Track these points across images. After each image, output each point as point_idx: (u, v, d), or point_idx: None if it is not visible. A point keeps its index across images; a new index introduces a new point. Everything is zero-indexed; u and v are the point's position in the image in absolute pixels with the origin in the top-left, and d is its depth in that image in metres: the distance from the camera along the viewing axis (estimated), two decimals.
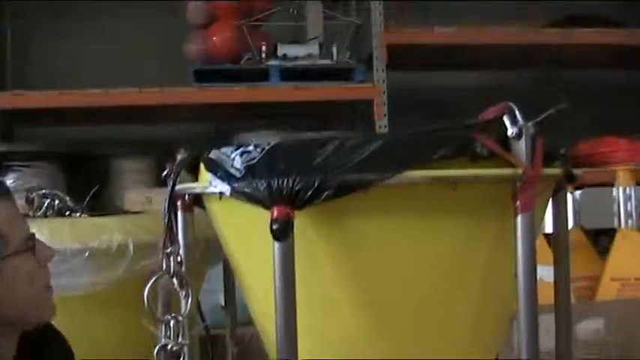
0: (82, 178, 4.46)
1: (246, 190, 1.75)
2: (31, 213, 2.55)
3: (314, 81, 4.30)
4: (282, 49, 4.33)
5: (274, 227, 1.70)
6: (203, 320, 2.26)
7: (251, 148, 1.81)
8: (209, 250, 2.40)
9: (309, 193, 1.69)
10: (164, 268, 2.01)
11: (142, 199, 3.50)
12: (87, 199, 2.60)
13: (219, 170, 1.84)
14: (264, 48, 4.26)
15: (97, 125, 4.74)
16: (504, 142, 1.78)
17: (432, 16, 4.67)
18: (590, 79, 5.17)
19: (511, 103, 1.81)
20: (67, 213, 2.50)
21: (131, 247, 2.38)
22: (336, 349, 1.87)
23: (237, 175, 1.79)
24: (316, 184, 1.68)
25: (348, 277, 1.79)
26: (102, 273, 2.38)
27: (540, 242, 2.28)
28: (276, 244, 1.71)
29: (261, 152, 1.78)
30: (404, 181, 1.68)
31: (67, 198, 2.52)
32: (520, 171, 1.74)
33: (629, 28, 4.61)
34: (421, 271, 1.80)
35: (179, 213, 2.10)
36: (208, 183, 1.87)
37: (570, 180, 1.94)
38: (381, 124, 4.27)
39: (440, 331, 1.88)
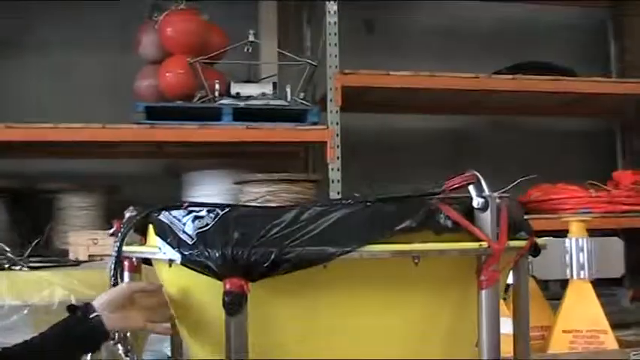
0: (27, 213, 4.30)
1: (198, 259, 1.63)
2: None
3: (267, 121, 4.19)
4: (235, 88, 4.22)
5: (227, 300, 1.58)
6: None
7: (204, 213, 1.69)
8: None
9: (265, 266, 1.58)
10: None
11: (88, 242, 3.34)
12: (29, 250, 2.44)
13: (169, 235, 1.72)
14: (217, 86, 4.14)
15: (42, 159, 4.56)
16: (468, 212, 1.69)
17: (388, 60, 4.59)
18: (543, 124, 5.15)
19: (476, 173, 1.72)
20: (7, 266, 2.34)
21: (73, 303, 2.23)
22: None
23: (189, 241, 1.67)
24: (273, 257, 1.57)
25: (306, 351, 1.68)
26: (41, 331, 2.22)
27: None
28: (229, 318, 1.59)
29: (215, 218, 1.66)
30: (365, 255, 1.58)
31: (7, 249, 2.36)
32: (485, 245, 1.65)
33: (579, 76, 4.59)
34: (382, 344, 1.70)
35: (125, 274, 1.98)
36: (158, 248, 1.74)
37: (536, 253, 1.85)
38: (334, 167, 4.17)
39: None
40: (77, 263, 2.59)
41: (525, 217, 1.91)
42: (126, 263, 1.96)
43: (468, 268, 1.69)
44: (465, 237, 1.67)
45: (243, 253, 1.57)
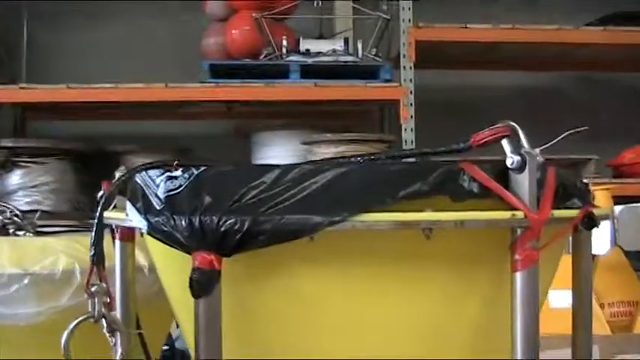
0: (95, 176, 4.08)
1: (164, 228, 1.29)
2: None
3: (337, 79, 3.84)
4: (304, 45, 3.89)
5: (194, 278, 1.25)
6: None
7: (179, 172, 1.35)
8: None
9: (238, 237, 1.23)
10: (89, 310, 1.57)
11: None
12: None
13: (140, 199, 1.39)
14: (285, 43, 3.81)
15: (108, 121, 4.34)
16: (501, 175, 1.29)
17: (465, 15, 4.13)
18: (636, 81, 4.59)
19: (514, 124, 1.32)
20: (12, 231, 2.07)
21: (78, 272, 1.94)
22: None
23: (158, 207, 1.33)
24: (246, 226, 1.22)
25: (290, 339, 1.33)
26: (44, 302, 1.95)
27: None
28: (199, 301, 1.26)
29: (187, 180, 1.32)
30: (359, 226, 1.20)
31: (17, 212, 2.09)
32: (522, 215, 1.25)
33: None
34: (382, 337, 1.32)
35: (116, 242, 1.67)
36: (125, 214, 1.42)
37: (590, 225, 1.43)
38: (407, 127, 3.80)
39: None
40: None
41: (582, 181, 1.50)
42: (117, 231, 1.65)
43: (501, 243, 1.30)
44: (497, 206, 1.27)
45: (212, 222, 1.23)
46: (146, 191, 1.38)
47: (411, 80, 3.78)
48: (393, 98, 3.81)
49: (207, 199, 1.27)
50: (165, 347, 2.72)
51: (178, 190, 1.32)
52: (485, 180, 1.27)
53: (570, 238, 1.57)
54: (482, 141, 1.32)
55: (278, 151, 3.97)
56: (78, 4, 4.32)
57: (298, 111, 4.29)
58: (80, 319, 1.55)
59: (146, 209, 1.35)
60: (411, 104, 3.79)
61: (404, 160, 1.37)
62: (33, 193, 3.82)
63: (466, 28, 3.79)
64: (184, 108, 4.10)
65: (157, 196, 1.35)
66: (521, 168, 1.28)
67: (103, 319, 1.57)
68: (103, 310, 1.56)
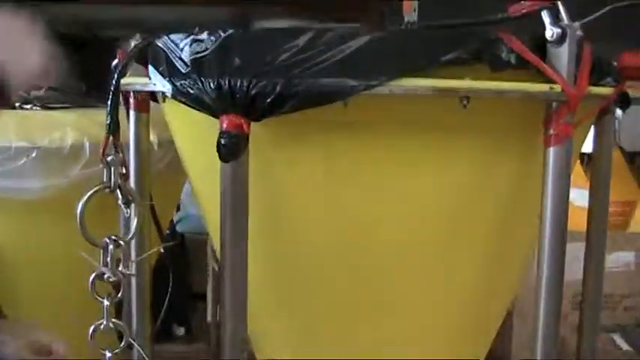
0: (89, 61, 3.98)
1: (191, 90, 1.24)
2: None
3: None
4: None
5: (222, 142, 1.21)
6: (162, 240, 1.80)
7: (204, 36, 1.30)
8: None
9: (269, 100, 1.18)
10: (104, 180, 1.53)
11: None
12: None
13: (162, 63, 1.34)
14: None
15: (103, 4, 4.20)
16: (539, 47, 1.25)
17: None
18: None
19: None
20: (18, 104, 2.01)
21: (87, 147, 1.90)
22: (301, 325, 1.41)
23: (183, 70, 1.28)
24: (279, 89, 1.18)
25: (319, 217, 1.31)
26: (52, 176, 1.90)
27: None
28: (225, 166, 1.22)
29: (214, 42, 1.27)
30: (397, 91, 1.16)
31: None
32: (559, 88, 1.22)
33: None
34: (417, 211, 1.30)
35: (131, 112, 1.62)
36: (148, 78, 1.37)
37: (624, 103, 1.40)
38: (410, 20, 3.69)
39: (441, 287, 1.40)
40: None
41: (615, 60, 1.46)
42: (131, 100, 1.60)
43: (533, 118, 1.27)
44: (532, 78, 1.23)
45: (242, 84, 1.18)
46: (169, 55, 1.33)
47: None
48: None
49: (237, 61, 1.22)
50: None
51: (205, 53, 1.26)
52: (524, 51, 1.22)
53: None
54: (521, 12, 1.27)
55: None
56: None
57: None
58: (96, 188, 1.51)
59: (170, 73, 1.30)
60: None
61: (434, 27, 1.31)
62: None
63: None
64: None
65: (181, 59, 1.30)
66: (560, 41, 1.24)
67: (119, 190, 1.55)
68: (119, 180, 1.53)
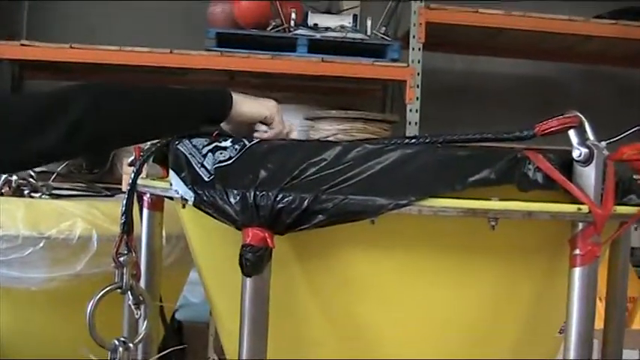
0: None
1: (214, 200, 1.22)
2: None
3: (344, 55, 3.75)
4: (313, 19, 3.79)
5: (246, 257, 1.18)
6: (166, 335, 1.76)
7: (228, 143, 1.28)
8: None
9: (295, 215, 1.16)
10: (116, 280, 1.50)
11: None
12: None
13: (184, 169, 1.32)
14: (293, 16, 3.72)
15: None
16: (564, 166, 1.23)
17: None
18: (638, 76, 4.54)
19: (580, 114, 1.27)
20: (27, 192, 1.98)
21: (95, 238, 1.87)
22: None
23: (206, 178, 1.26)
24: (306, 204, 1.15)
25: (340, 330, 1.27)
26: (59, 267, 1.87)
27: None
28: (247, 280, 1.19)
29: (239, 151, 1.25)
30: (426, 212, 1.14)
31: (32, 173, 2.00)
32: (586, 209, 1.20)
33: None
34: (440, 327, 1.27)
35: (144, 211, 1.60)
36: (169, 185, 1.35)
37: None
38: (412, 108, 3.71)
39: None
40: (111, 195, 2.22)
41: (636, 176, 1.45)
42: (145, 200, 1.58)
43: (558, 237, 1.25)
44: (556, 197, 1.22)
45: (268, 198, 1.16)
46: (191, 161, 1.31)
47: (419, 61, 3.70)
48: (400, 79, 3.73)
49: (263, 173, 1.20)
50: None
51: (229, 162, 1.24)
52: (551, 171, 1.21)
53: None
54: (548, 130, 1.26)
55: None
56: None
57: (301, 86, 4.20)
58: (108, 288, 1.48)
59: (193, 180, 1.28)
60: (418, 86, 3.71)
61: (461, 144, 1.30)
62: None
63: (477, 12, 3.72)
64: (189, 75, 3.99)
65: (203, 166, 1.28)
66: (587, 161, 1.23)
67: (129, 291, 1.51)
68: (131, 281, 1.50)
